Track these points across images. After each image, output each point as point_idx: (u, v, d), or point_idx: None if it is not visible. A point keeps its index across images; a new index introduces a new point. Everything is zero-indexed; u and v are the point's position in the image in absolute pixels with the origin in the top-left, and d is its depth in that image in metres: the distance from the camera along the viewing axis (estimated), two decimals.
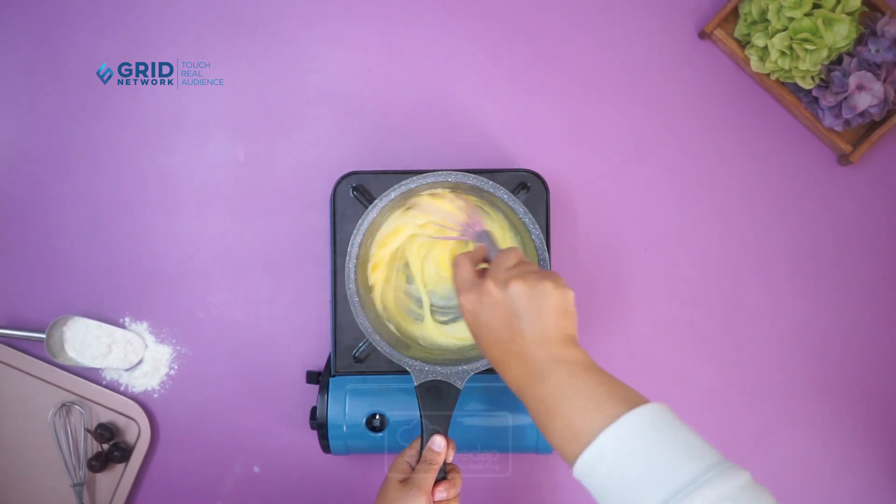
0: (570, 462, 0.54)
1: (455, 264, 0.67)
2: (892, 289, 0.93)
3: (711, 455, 0.51)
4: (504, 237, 0.82)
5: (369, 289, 0.81)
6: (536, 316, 0.60)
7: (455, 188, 0.80)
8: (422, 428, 0.72)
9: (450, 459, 0.72)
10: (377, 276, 0.81)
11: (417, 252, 0.81)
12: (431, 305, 0.82)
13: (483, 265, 0.69)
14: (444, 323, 0.83)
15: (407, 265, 0.82)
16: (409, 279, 0.82)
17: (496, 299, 0.61)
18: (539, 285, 0.61)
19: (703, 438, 0.53)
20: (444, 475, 0.71)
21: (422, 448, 0.71)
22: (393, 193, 0.77)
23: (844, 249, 0.93)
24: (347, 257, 0.77)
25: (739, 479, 0.49)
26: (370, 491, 0.91)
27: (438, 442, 0.71)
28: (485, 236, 0.72)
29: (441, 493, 0.70)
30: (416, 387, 0.74)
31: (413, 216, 0.80)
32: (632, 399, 0.55)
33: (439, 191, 0.80)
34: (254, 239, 0.91)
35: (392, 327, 0.80)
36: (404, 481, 0.70)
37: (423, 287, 0.82)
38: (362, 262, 0.79)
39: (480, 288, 0.62)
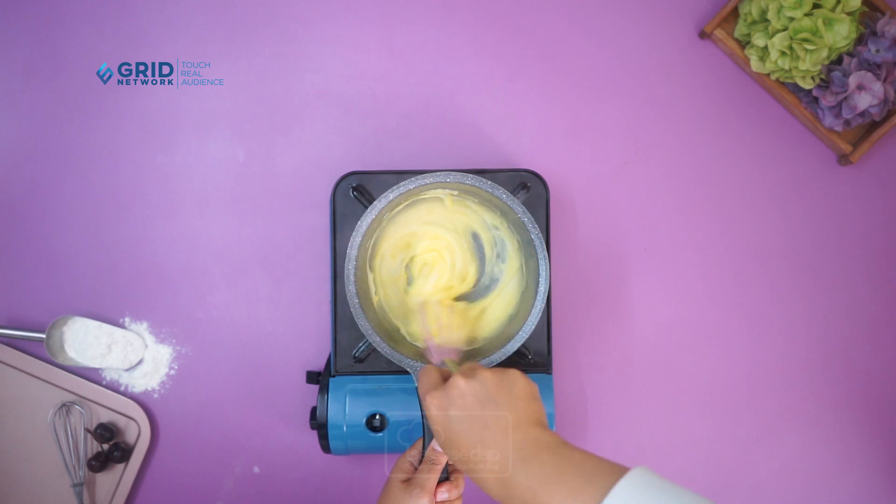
0: None
1: (422, 373, 0.68)
2: (892, 289, 0.93)
3: None
4: (508, 240, 0.83)
5: (369, 289, 0.81)
6: (507, 400, 0.60)
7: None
8: (423, 428, 0.72)
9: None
10: (378, 273, 0.81)
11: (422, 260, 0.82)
12: None
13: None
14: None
15: (408, 267, 0.82)
16: (410, 280, 0.82)
17: (464, 391, 0.62)
18: (506, 373, 0.62)
19: (692, 491, 0.53)
20: (446, 476, 0.72)
21: (423, 448, 0.71)
22: (393, 194, 0.77)
23: (845, 249, 0.93)
24: (347, 258, 0.77)
25: None
26: (370, 491, 0.91)
27: None
28: (448, 359, 0.73)
29: (443, 493, 0.70)
30: (416, 387, 0.74)
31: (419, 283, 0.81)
32: (617, 470, 0.54)
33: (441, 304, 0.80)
34: (254, 239, 0.91)
35: (389, 326, 0.80)
36: (407, 481, 0.70)
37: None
38: (362, 263, 0.79)
39: (448, 385, 0.63)
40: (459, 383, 0.62)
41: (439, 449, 0.71)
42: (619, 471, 0.54)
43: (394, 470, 0.72)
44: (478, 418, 0.60)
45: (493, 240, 0.83)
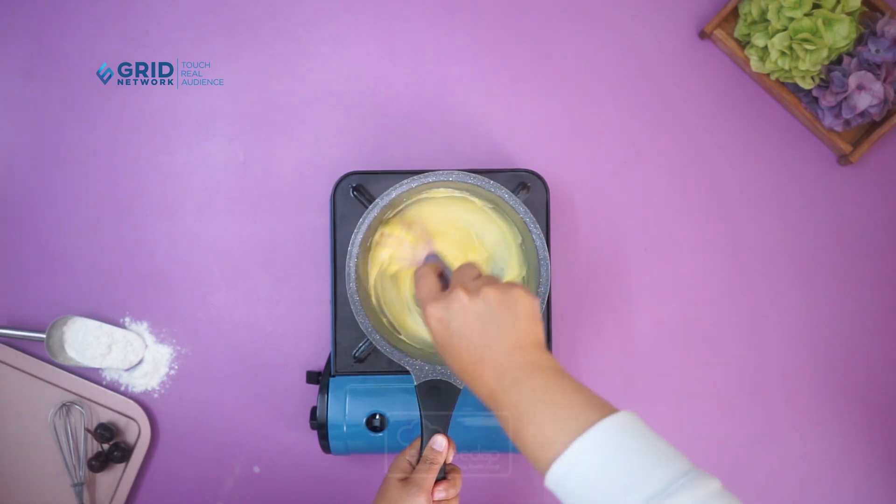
0: (543, 470, 0.54)
1: (418, 277, 0.66)
2: (892, 289, 0.93)
3: (682, 462, 0.51)
4: (508, 239, 0.83)
5: (369, 288, 0.81)
6: (510, 321, 0.60)
7: (441, 187, 0.80)
8: (422, 427, 0.72)
9: (450, 459, 0.72)
10: (373, 268, 0.81)
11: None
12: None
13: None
14: None
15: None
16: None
17: (467, 306, 0.60)
18: (511, 291, 0.61)
19: (673, 446, 0.53)
20: (443, 475, 0.71)
21: (422, 448, 0.71)
22: (393, 193, 0.77)
23: (845, 249, 0.93)
24: (347, 257, 0.77)
25: (710, 486, 0.50)
26: (370, 491, 0.91)
27: (440, 441, 0.71)
28: (433, 257, 0.71)
29: (440, 492, 0.70)
30: (416, 386, 0.74)
31: (379, 251, 0.80)
32: (604, 407, 0.55)
33: (393, 220, 0.80)
34: (254, 239, 0.91)
35: (386, 321, 0.80)
36: (404, 480, 0.70)
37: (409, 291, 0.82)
38: (362, 263, 0.79)
39: (449, 296, 0.61)
40: (462, 298, 0.60)
41: (438, 448, 0.71)
42: (607, 409, 0.54)
43: (391, 469, 0.71)
44: (479, 335, 0.59)
45: (495, 240, 0.83)
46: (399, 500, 0.68)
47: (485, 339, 0.59)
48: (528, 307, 0.61)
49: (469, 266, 0.64)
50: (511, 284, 0.62)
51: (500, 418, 0.58)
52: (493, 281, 0.62)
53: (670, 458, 0.51)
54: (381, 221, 0.80)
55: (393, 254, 0.79)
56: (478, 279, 0.63)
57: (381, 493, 0.70)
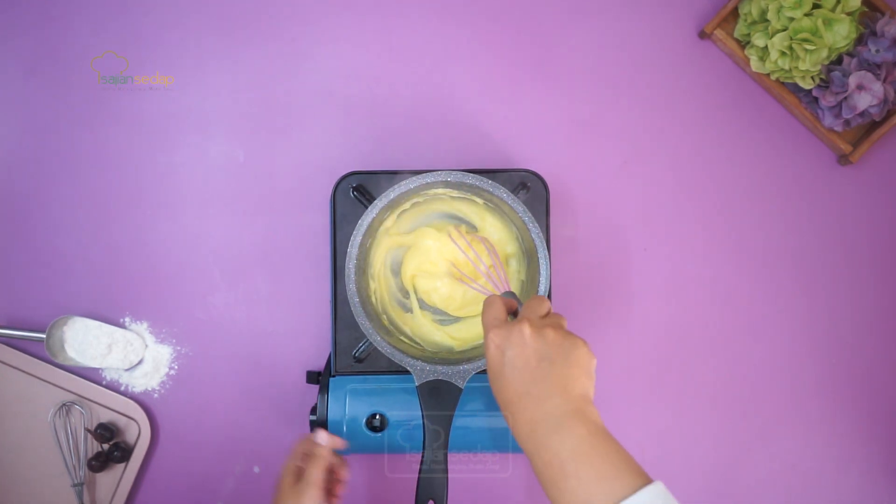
0: None
1: (488, 303, 0.66)
2: (892, 288, 0.93)
3: None
4: (507, 239, 0.83)
5: (369, 288, 0.81)
6: (563, 366, 0.60)
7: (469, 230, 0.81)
8: (423, 428, 0.72)
9: (340, 447, 0.74)
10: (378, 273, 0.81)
11: (419, 264, 0.82)
12: (420, 300, 0.82)
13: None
14: (441, 322, 0.83)
15: (399, 263, 0.83)
16: (394, 272, 0.83)
17: (527, 340, 0.61)
18: (571, 339, 0.61)
19: None
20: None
21: (424, 450, 0.71)
22: (393, 193, 0.77)
23: (845, 249, 0.93)
24: (347, 258, 0.77)
25: None
26: (370, 491, 0.91)
27: (321, 436, 0.74)
28: (510, 295, 0.71)
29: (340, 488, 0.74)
30: (417, 387, 0.74)
31: (442, 238, 0.81)
32: (642, 474, 0.55)
33: (463, 234, 0.80)
34: (254, 239, 0.91)
35: (385, 320, 0.80)
36: (295, 481, 0.72)
37: (409, 283, 0.83)
38: (362, 263, 0.79)
39: (513, 327, 0.62)
40: (525, 330, 0.61)
41: (319, 441, 0.73)
42: (644, 476, 0.55)
43: (283, 475, 0.73)
44: (530, 370, 0.60)
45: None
46: (291, 499, 0.70)
47: (534, 375, 0.60)
48: (583, 358, 0.61)
49: (540, 301, 0.65)
50: (575, 335, 0.62)
51: (536, 462, 0.58)
52: (558, 323, 0.63)
53: None
54: (383, 221, 0.80)
55: (458, 268, 0.80)
56: (546, 317, 0.64)
57: (275, 498, 0.72)
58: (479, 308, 0.81)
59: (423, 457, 0.71)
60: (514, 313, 0.68)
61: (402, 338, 0.80)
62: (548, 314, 0.64)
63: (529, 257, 0.81)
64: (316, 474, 0.71)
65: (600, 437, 0.57)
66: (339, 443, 0.74)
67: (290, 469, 0.73)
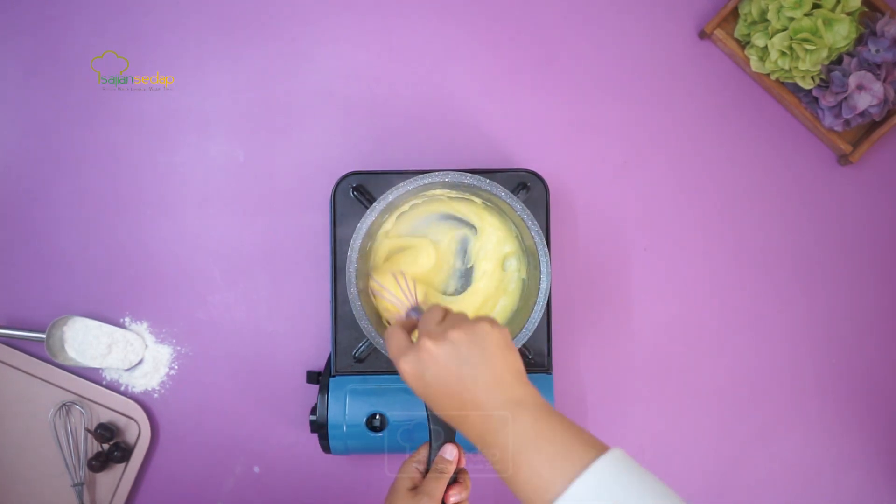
0: None
1: (387, 336, 0.65)
2: (892, 288, 0.93)
3: (675, 500, 0.51)
4: (506, 238, 0.83)
5: (369, 288, 0.81)
6: (481, 358, 0.59)
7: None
8: (429, 430, 0.72)
9: (462, 465, 0.72)
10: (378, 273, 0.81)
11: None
12: None
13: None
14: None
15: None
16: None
17: (435, 353, 0.59)
18: (475, 327, 0.60)
19: (662, 481, 0.53)
20: (454, 478, 0.71)
21: (430, 452, 0.71)
22: (393, 194, 0.77)
23: (844, 249, 0.93)
24: (348, 261, 0.77)
25: None
26: (370, 491, 0.91)
27: (450, 451, 0.70)
28: (414, 312, 0.70)
29: (455, 496, 0.70)
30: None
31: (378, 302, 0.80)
32: (595, 444, 0.55)
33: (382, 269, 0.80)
34: (254, 239, 0.91)
35: (386, 321, 0.80)
36: (414, 489, 0.69)
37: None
38: (362, 263, 0.79)
39: (417, 347, 0.61)
40: (429, 346, 0.59)
41: (449, 458, 0.70)
42: (598, 446, 0.54)
43: (400, 471, 0.71)
44: (454, 381, 0.58)
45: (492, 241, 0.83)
46: None
47: (461, 383, 0.59)
48: (496, 339, 0.60)
49: (433, 310, 0.64)
50: (476, 320, 0.61)
51: (493, 463, 0.58)
52: (458, 321, 0.61)
53: (664, 496, 0.52)
54: (383, 223, 0.80)
55: (386, 306, 0.79)
56: (442, 322, 0.62)
57: (390, 502, 0.70)
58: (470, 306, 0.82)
59: (430, 462, 0.71)
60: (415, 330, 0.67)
61: None
62: (445, 317, 0.63)
63: (529, 257, 0.81)
64: (438, 489, 0.68)
65: (544, 421, 0.56)
66: (463, 461, 0.72)
67: (408, 474, 0.70)
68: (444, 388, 0.59)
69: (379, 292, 0.78)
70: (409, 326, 0.67)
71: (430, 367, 0.60)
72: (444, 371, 0.59)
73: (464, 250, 0.84)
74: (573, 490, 0.52)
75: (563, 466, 0.53)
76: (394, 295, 0.73)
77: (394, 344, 0.64)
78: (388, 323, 0.81)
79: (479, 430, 0.58)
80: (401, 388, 0.82)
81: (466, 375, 0.58)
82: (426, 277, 0.82)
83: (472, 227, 0.84)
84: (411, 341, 0.63)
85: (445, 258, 0.84)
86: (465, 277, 0.84)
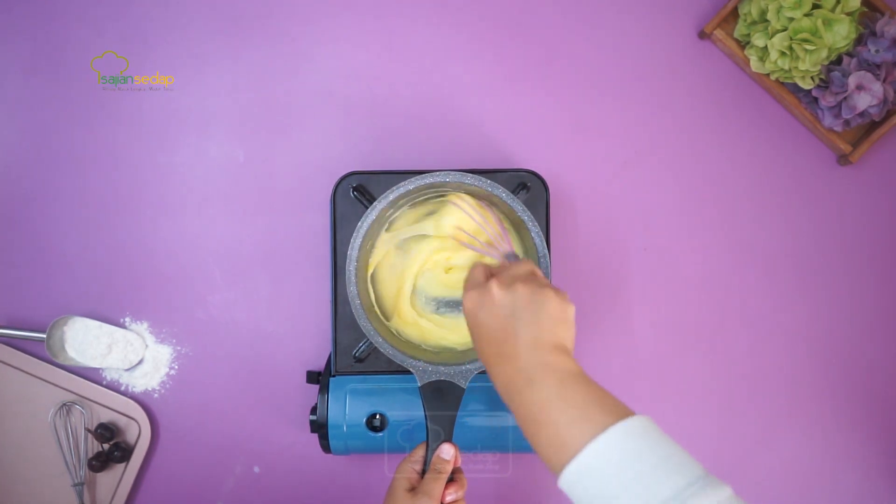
0: (556, 471, 0.54)
1: (471, 268, 0.67)
2: (892, 288, 0.93)
3: (695, 469, 0.51)
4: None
5: (369, 288, 0.81)
6: (532, 319, 0.60)
7: (467, 192, 0.79)
8: (427, 430, 0.72)
9: (458, 464, 0.72)
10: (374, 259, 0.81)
11: (425, 251, 0.81)
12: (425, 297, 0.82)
13: None
14: (444, 312, 0.82)
15: (404, 253, 0.81)
16: (394, 273, 0.82)
17: (496, 298, 0.61)
18: (541, 291, 0.61)
19: (687, 451, 0.53)
20: (451, 477, 0.71)
21: (427, 451, 0.71)
22: (392, 194, 0.77)
23: (844, 249, 0.93)
24: (348, 260, 0.77)
25: (723, 493, 0.50)
26: (370, 491, 0.91)
27: (447, 450, 0.71)
28: (513, 256, 0.71)
29: (451, 495, 0.70)
30: (419, 387, 0.74)
31: (439, 219, 0.79)
32: (619, 410, 0.55)
33: (467, 199, 0.79)
34: (254, 239, 0.91)
35: (389, 325, 0.80)
36: (412, 490, 0.69)
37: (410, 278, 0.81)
38: (362, 263, 0.79)
39: (484, 287, 0.63)
40: (494, 290, 0.62)
41: (446, 457, 0.71)
42: (622, 412, 0.55)
43: (397, 472, 0.71)
44: (500, 329, 0.60)
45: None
46: None
47: (504, 333, 0.60)
48: (555, 308, 0.61)
49: (522, 263, 0.65)
50: (548, 285, 0.63)
51: (517, 417, 0.59)
52: (531, 279, 0.63)
53: (683, 464, 0.51)
54: (382, 222, 0.80)
55: (466, 231, 0.78)
56: (521, 275, 0.63)
57: (388, 503, 0.70)
58: None
59: (427, 461, 0.71)
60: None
61: (403, 339, 0.80)
62: (527, 274, 0.64)
63: (528, 257, 0.81)
64: (437, 489, 0.69)
65: (572, 384, 0.57)
66: (460, 458, 0.72)
67: (405, 475, 0.71)
68: (489, 333, 0.61)
69: (469, 243, 0.77)
70: (495, 270, 0.67)
71: (487, 306, 0.62)
72: (495, 316, 0.61)
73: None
74: (588, 450, 0.52)
75: (582, 428, 0.54)
76: (485, 243, 0.74)
77: (471, 277, 0.66)
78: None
79: (508, 383, 0.59)
80: (401, 388, 0.82)
81: (510, 328, 0.60)
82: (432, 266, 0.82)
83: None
84: (487, 281, 0.65)
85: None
86: None
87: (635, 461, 0.51)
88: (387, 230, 0.81)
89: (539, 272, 0.66)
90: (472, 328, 0.63)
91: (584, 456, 0.52)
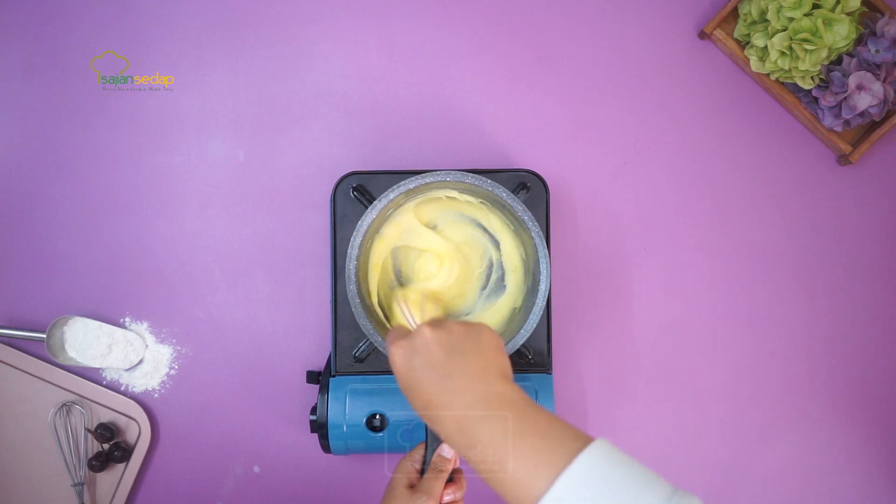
0: None
1: (392, 329, 0.66)
2: (892, 288, 0.93)
3: (664, 487, 0.51)
4: (505, 237, 0.83)
5: (369, 289, 0.81)
6: (474, 350, 0.59)
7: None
8: (426, 429, 0.72)
9: (457, 464, 0.72)
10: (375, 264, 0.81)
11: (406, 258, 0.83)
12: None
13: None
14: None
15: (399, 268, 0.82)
16: (395, 273, 0.83)
17: (429, 339, 0.60)
18: (474, 326, 0.61)
19: (648, 468, 0.52)
20: (450, 477, 0.71)
21: (426, 450, 0.71)
22: (393, 194, 0.77)
23: (844, 249, 0.93)
24: (347, 259, 0.77)
25: None
26: (370, 491, 0.91)
27: (447, 449, 0.71)
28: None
29: (449, 495, 0.70)
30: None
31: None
32: (580, 437, 0.54)
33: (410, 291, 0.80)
34: (254, 239, 0.91)
35: (389, 325, 0.80)
36: (411, 487, 0.69)
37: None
38: (362, 263, 0.79)
39: (413, 334, 0.61)
40: (425, 332, 0.60)
41: (447, 456, 0.71)
42: (582, 438, 0.53)
43: (396, 474, 0.71)
44: (442, 366, 0.58)
45: (492, 242, 0.83)
46: None
47: (448, 369, 0.58)
48: (491, 339, 0.61)
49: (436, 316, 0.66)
50: (476, 322, 0.63)
51: (471, 458, 0.56)
52: (459, 321, 0.63)
53: (652, 484, 0.51)
54: (382, 221, 0.80)
55: (406, 306, 0.78)
56: (444, 319, 0.63)
57: (387, 499, 0.70)
58: (469, 297, 0.82)
59: (425, 463, 0.71)
60: None
61: None
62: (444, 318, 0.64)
63: (528, 257, 0.81)
64: (437, 487, 0.68)
65: (527, 415, 0.55)
66: (458, 461, 0.72)
67: (404, 470, 0.71)
68: (429, 372, 0.59)
69: (401, 310, 0.77)
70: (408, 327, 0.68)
71: (422, 351, 0.60)
72: (434, 357, 0.59)
73: (489, 270, 0.84)
74: (561, 483, 0.51)
75: (549, 459, 0.52)
76: (411, 315, 0.73)
77: (393, 334, 0.65)
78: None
79: (458, 422, 0.57)
80: None
81: (454, 364, 0.59)
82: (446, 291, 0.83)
83: (491, 236, 0.83)
84: (407, 332, 0.64)
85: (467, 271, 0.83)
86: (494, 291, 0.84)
87: (607, 486, 0.50)
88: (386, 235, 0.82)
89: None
90: (406, 375, 0.61)
91: (557, 488, 0.51)
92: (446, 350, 0.59)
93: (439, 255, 0.82)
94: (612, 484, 0.50)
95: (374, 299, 0.81)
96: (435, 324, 0.61)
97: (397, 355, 0.62)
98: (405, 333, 0.64)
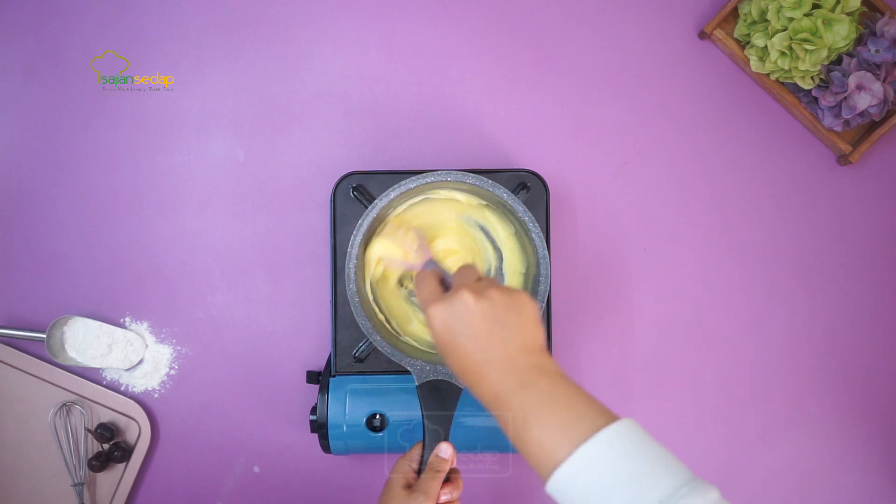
0: (544, 475, 0.54)
1: (419, 280, 0.65)
2: (892, 288, 0.93)
3: (683, 472, 0.51)
4: (505, 237, 0.83)
5: (369, 289, 0.81)
6: (516, 323, 0.59)
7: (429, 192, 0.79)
8: (424, 429, 0.72)
9: (454, 464, 0.72)
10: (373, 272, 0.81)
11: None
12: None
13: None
14: None
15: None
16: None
17: (472, 307, 0.59)
18: (516, 294, 0.61)
19: (673, 454, 0.53)
20: (447, 477, 0.71)
21: (424, 450, 0.71)
22: (393, 193, 0.77)
23: (844, 249, 0.93)
24: (347, 258, 0.77)
25: (710, 495, 0.50)
26: (370, 491, 0.91)
27: (445, 449, 0.71)
28: (431, 264, 0.70)
29: (446, 495, 0.70)
30: (417, 387, 0.74)
31: (374, 249, 0.79)
32: (607, 414, 0.55)
33: (388, 228, 0.79)
34: (254, 239, 0.91)
35: (385, 321, 0.80)
36: (409, 487, 0.69)
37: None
38: (362, 263, 0.79)
39: (454, 297, 0.60)
40: (467, 299, 0.59)
41: (444, 456, 0.71)
42: (610, 416, 0.55)
43: (393, 470, 0.71)
44: (485, 338, 0.59)
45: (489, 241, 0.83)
46: None
47: (490, 341, 0.59)
48: (532, 311, 0.61)
49: (469, 268, 0.64)
50: (515, 289, 0.62)
51: (500, 420, 0.58)
52: (496, 283, 0.62)
53: (671, 468, 0.52)
54: (383, 220, 0.80)
55: (386, 254, 0.78)
56: (480, 281, 0.62)
57: (384, 499, 0.70)
58: None
59: (422, 457, 0.71)
60: (441, 282, 0.66)
61: (402, 338, 0.80)
62: (482, 278, 0.63)
63: (528, 257, 0.81)
64: (434, 487, 0.68)
65: (562, 386, 0.57)
66: (456, 458, 0.72)
67: (402, 469, 0.71)
68: (470, 343, 0.59)
69: (386, 238, 0.77)
70: (438, 275, 0.66)
71: (464, 318, 0.59)
72: (476, 325, 0.59)
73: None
74: (578, 455, 0.52)
75: (571, 430, 0.53)
76: (403, 244, 0.73)
77: (426, 288, 0.64)
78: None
79: (496, 390, 0.58)
80: (401, 388, 0.82)
81: (496, 335, 0.59)
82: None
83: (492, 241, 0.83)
84: (442, 290, 0.63)
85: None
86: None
87: (624, 465, 0.51)
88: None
89: (496, 281, 0.64)
90: (447, 340, 0.60)
91: (574, 460, 0.52)
92: (489, 322, 0.59)
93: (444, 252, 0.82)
94: (630, 462, 0.52)
95: (374, 301, 0.81)
96: (476, 290, 0.60)
97: (438, 319, 0.61)
98: (437, 289, 0.63)
